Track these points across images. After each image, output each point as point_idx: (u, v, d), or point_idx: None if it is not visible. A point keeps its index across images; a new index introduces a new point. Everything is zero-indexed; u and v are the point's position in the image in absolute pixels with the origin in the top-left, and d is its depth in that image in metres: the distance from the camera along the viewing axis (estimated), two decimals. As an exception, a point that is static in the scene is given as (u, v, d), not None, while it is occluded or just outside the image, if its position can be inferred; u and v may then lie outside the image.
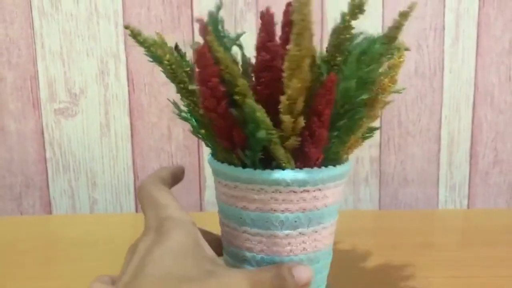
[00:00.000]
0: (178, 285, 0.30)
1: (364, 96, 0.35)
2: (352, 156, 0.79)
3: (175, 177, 0.41)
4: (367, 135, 0.41)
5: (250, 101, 0.31)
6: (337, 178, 0.36)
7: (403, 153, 0.78)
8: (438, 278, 0.51)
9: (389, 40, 0.35)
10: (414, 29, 0.75)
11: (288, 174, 0.34)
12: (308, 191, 0.35)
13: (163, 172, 0.40)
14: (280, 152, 0.34)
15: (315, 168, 0.35)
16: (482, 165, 0.80)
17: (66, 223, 0.71)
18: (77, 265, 0.55)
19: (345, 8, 0.35)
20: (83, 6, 0.73)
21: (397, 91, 0.39)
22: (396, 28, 0.35)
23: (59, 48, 0.73)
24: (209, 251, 0.35)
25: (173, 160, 0.77)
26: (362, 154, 0.78)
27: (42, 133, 0.75)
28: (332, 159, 0.37)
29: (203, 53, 0.32)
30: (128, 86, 0.75)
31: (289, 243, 0.36)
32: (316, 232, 0.37)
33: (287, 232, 0.36)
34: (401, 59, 0.39)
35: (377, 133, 0.77)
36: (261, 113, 0.32)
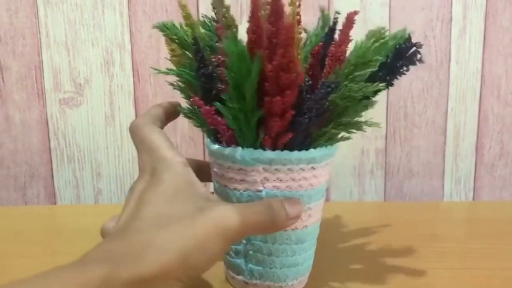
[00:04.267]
0: (170, 224, 0.31)
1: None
2: (357, 148, 0.79)
3: (169, 114, 0.42)
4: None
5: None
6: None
7: (409, 145, 0.78)
8: (443, 270, 0.51)
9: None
10: (421, 20, 0.74)
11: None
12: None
13: (155, 110, 0.41)
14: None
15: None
16: (488, 157, 0.79)
17: (70, 214, 0.71)
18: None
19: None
20: (88, -4, 0.72)
21: None
22: None
23: (64, 37, 0.73)
24: (202, 189, 0.36)
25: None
26: (368, 146, 0.78)
27: (47, 123, 0.75)
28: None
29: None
30: (133, 76, 0.75)
31: None
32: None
33: None
34: None
35: (383, 125, 0.77)
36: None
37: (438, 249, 0.56)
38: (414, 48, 0.37)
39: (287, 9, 0.36)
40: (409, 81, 0.76)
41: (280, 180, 0.39)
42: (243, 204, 0.35)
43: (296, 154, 0.39)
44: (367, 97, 0.39)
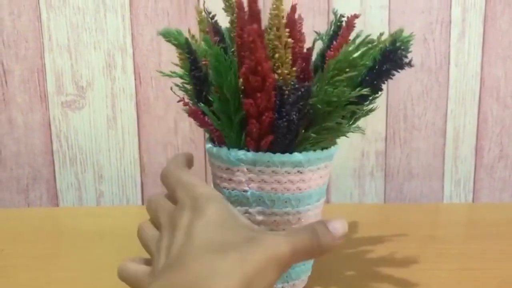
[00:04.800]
0: (228, 251, 0.31)
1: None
2: (358, 150, 0.79)
3: (189, 163, 0.43)
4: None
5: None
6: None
7: (409, 147, 0.78)
8: (442, 272, 0.51)
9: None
10: (420, 23, 0.75)
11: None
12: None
13: (180, 157, 0.42)
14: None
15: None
16: (487, 159, 0.80)
17: (72, 216, 0.72)
18: (84, 257, 0.56)
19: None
20: (90, -1, 0.73)
21: None
22: None
23: (66, 41, 0.74)
24: (245, 220, 0.37)
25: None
26: (368, 148, 0.78)
27: (49, 126, 0.76)
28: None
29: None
30: (135, 79, 0.75)
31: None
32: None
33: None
34: None
35: (382, 127, 0.77)
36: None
37: (438, 251, 0.56)
38: (398, 52, 0.36)
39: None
40: (408, 83, 0.77)
41: (265, 182, 0.40)
42: (290, 232, 0.35)
43: (278, 156, 0.39)
44: (355, 103, 0.39)
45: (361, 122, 0.43)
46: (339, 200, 0.79)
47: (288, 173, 0.40)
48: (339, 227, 0.36)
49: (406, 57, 0.36)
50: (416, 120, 0.78)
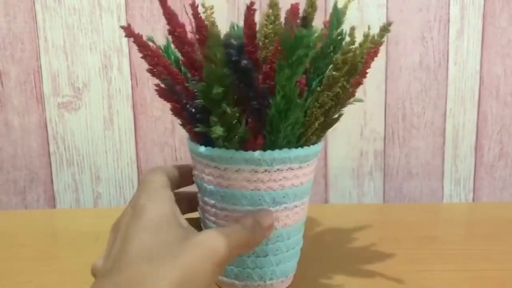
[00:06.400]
0: (159, 256, 0.31)
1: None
2: (356, 150, 0.79)
3: (183, 174, 0.43)
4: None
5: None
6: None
7: (408, 146, 0.78)
8: (442, 272, 0.51)
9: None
10: (419, 21, 0.74)
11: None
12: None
13: (170, 167, 0.43)
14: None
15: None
16: (487, 158, 0.79)
17: (70, 217, 0.71)
18: (81, 259, 0.55)
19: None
20: (85, 0, 0.72)
21: None
22: None
23: (62, 42, 0.73)
24: (183, 220, 0.37)
25: (176, 154, 0.77)
26: (367, 148, 0.78)
27: (46, 127, 0.75)
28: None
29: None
30: (131, 80, 0.75)
31: None
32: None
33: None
34: None
35: (381, 126, 0.77)
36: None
37: (438, 251, 0.56)
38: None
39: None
40: (407, 82, 0.76)
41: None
42: (222, 227, 0.36)
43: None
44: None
45: (359, 120, 0.43)
46: (338, 200, 0.79)
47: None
48: (267, 217, 0.38)
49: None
50: (415, 119, 0.77)
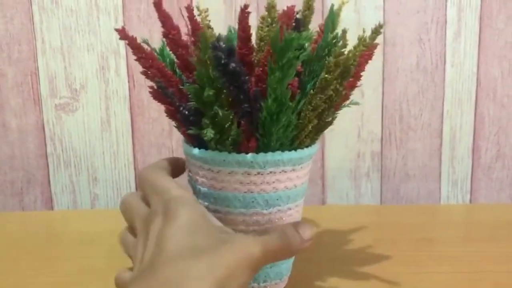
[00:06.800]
0: (199, 255, 0.31)
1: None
2: (353, 151, 0.79)
3: (175, 167, 0.43)
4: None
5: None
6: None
7: (405, 148, 0.78)
8: (440, 274, 0.51)
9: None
10: (416, 23, 0.74)
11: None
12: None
13: (161, 162, 0.43)
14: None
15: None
16: (484, 159, 0.79)
17: (67, 219, 0.71)
18: (79, 261, 0.55)
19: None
20: (83, 1, 0.72)
21: None
22: None
23: (60, 43, 0.73)
24: (216, 222, 0.37)
25: (174, 156, 0.77)
26: (364, 149, 0.78)
27: (43, 129, 0.75)
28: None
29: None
30: (129, 81, 0.75)
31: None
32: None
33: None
34: None
35: (378, 128, 0.77)
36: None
37: (435, 253, 0.56)
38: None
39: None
40: (404, 84, 0.76)
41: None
42: (259, 233, 0.36)
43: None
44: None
45: (357, 122, 0.43)
46: (335, 202, 0.79)
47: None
48: (307, 229, 0.37)
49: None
50: (412, 121, 0.77)
